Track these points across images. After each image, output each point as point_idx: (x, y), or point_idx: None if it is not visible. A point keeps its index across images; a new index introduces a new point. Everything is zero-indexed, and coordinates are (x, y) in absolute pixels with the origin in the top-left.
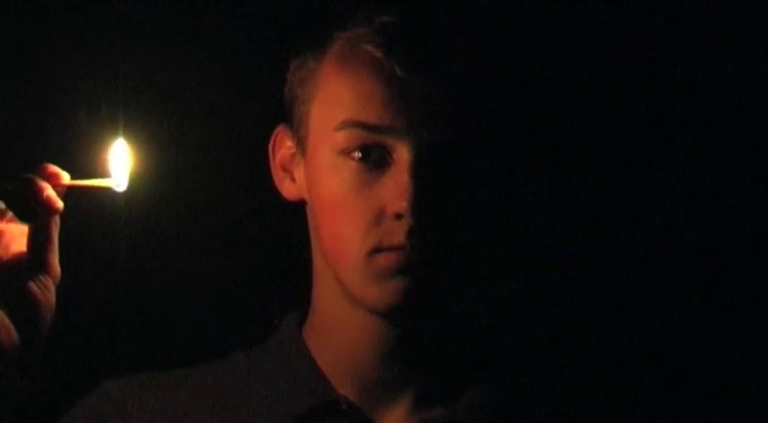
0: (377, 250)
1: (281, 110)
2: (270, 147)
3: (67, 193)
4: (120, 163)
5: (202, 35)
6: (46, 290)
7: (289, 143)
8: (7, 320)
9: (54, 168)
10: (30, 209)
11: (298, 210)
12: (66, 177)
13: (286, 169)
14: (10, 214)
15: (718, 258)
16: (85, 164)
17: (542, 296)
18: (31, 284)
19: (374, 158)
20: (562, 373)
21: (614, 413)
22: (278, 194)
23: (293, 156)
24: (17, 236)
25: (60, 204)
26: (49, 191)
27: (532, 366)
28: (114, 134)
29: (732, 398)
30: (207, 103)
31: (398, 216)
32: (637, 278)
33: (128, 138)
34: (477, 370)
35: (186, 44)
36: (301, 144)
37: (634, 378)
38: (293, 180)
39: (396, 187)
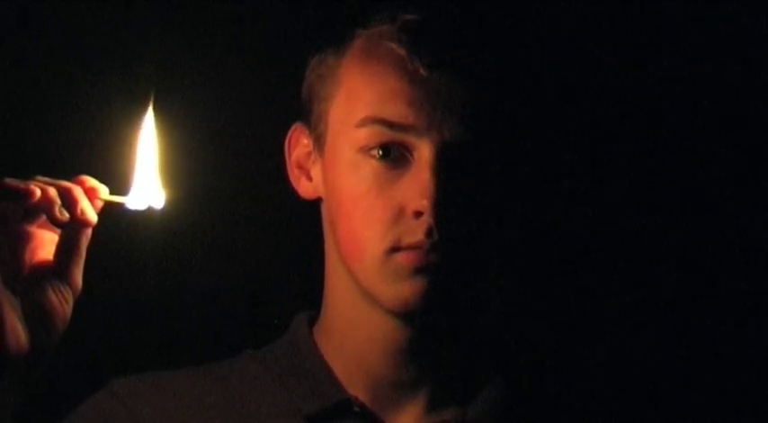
0: (395, 249)
1: (298, 108)
2: (286, 144)
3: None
4: (146, 183)
5: (219, 33)
6: (64, 301)
7: (305, 141)
8: (19, 325)
9: (93, 182)
10: (63, 216)
11: (304, 208)
12: (103, 192)
13: (302, 167)
14: (43, 218)
15: (725, 259)
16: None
17: (557, 296)
18: (51, 293)
19: (394, 157)
20: (575, 373)
21: (628, 413)
22: (287, 193)
23: (309, 154)
24: (46, 243)
25: (94, 218)
26: (83, 203)
27: (546, 366)
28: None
29: (743, 400)
30: (223, 101)
31: (418, 214)
32: (651, 280)
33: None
34: (491, 370)
35: (201, 43)
36: (319, 142)
37: (647, 377)
38: (309, 178)
39: (416, 185)
